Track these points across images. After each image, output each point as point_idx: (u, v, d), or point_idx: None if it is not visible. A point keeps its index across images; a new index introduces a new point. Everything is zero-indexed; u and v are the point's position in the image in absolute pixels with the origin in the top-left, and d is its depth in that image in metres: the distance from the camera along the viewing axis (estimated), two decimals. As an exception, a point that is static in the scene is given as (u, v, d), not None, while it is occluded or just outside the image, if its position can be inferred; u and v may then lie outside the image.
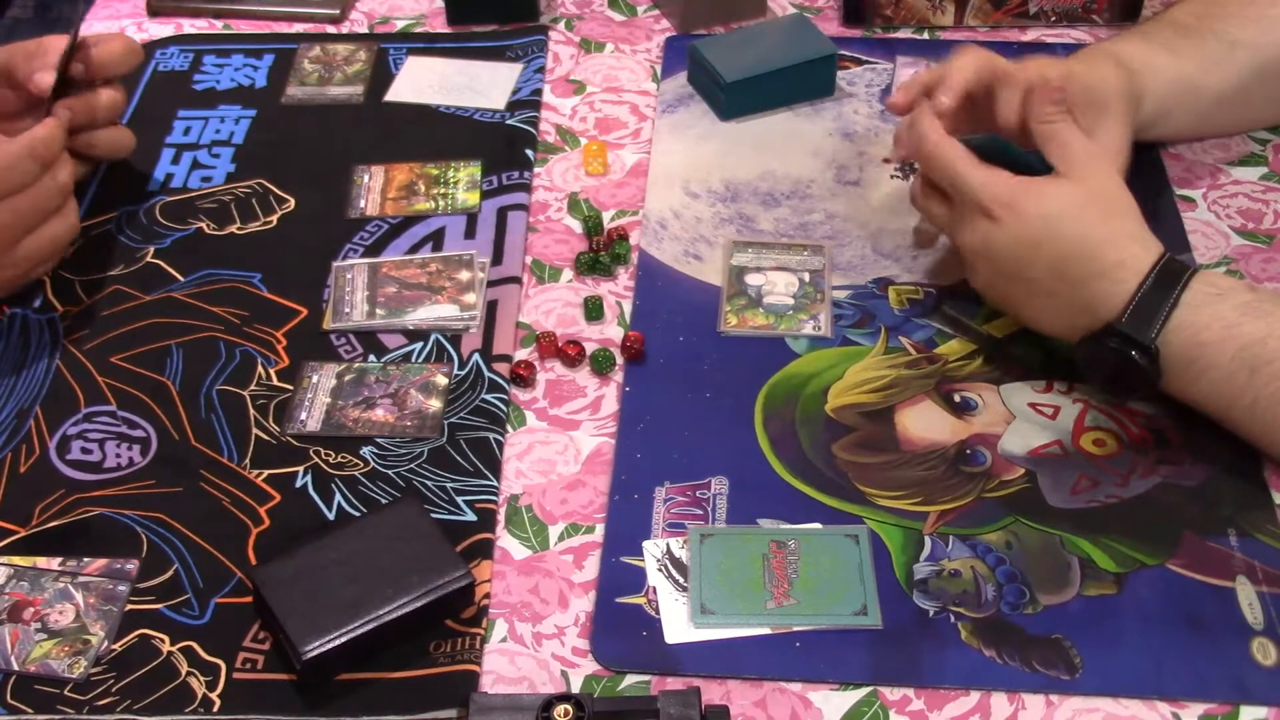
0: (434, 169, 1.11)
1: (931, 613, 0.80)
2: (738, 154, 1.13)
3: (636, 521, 0.85)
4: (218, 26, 1.29)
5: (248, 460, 0.89)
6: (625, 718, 0.72)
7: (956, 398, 0.92)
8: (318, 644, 0.75)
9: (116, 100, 1.06)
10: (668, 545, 0.84)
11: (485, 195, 1.08)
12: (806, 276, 1.01)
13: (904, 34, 1.25)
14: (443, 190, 1.09)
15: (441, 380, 0.93)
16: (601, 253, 1.03)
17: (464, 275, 1.01)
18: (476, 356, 0.95)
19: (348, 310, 0.99)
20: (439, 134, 1.15)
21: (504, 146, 1.13)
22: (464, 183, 1.09)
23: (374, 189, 1.09)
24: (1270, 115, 1.12)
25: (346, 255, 1.04)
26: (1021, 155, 0.97)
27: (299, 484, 0.88)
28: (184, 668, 0.78)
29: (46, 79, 0.99)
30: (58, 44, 1.01)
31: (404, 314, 0.99)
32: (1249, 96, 1.07)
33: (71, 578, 0.82)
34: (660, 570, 0.82)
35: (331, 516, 0.86)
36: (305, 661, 0.75)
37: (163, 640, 0.79)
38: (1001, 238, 0.89)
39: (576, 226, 1.07)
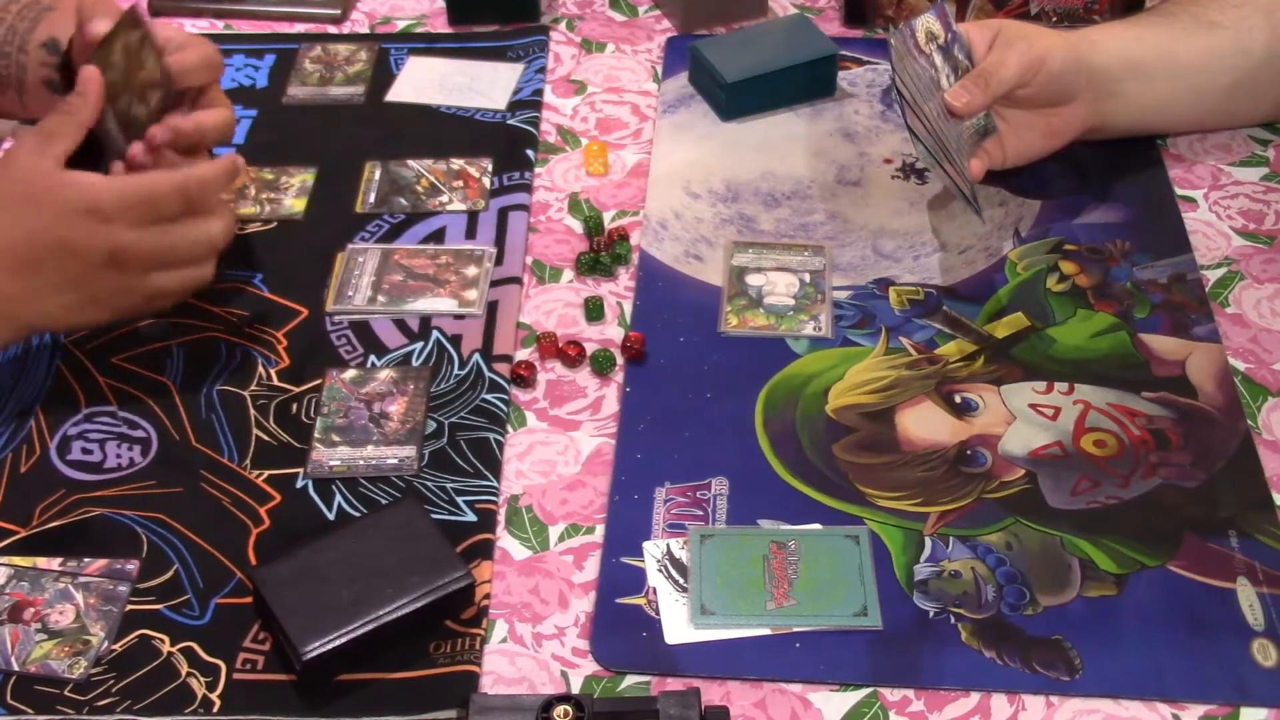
0: (269, 173, 1.11)
1: (932, 614, 0.80)
2: (738, 154, 1.13)
3: (637, 522, 0.85)
4: (219, 26, 1.29)
5: (248, 461, 0.89)
6: (625, 718, 0.72)
7: (957, 398, 0.92)
8: (318, 644, 0.75)
9: (227, 119, 0.96)
10: (668, 546, 0.84)
11: (491, 194, 1.09)
12: (807, 277, 1.01)
13: (888, 36, 1.25)
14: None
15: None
16: (602, 253, 1.03)
17: (471, 271, 1.01)
18: (477, 356, 0.95)
19: (350, 294, 0.99)
20: (440, 134, 1.15)
21: (505, 147, 1.13)
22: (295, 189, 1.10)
23: None
24: (1265, 110, 1.12)
25: (348, 254, 1.04)
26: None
27: (299, 484, 0.88)
28: (184, 668, 0.78)
29: (98, 27, 0.91)
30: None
31: (403, 303, 0.99)
32: (1239, 80, 1.08)
33: (72, 578, 0.82)
34: (660, 571, 0.82)
35: (331, 517, 0.86)
36: (305, 662, 0.75)
37: (163, 641, 0.79)
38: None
39: (577, 227, 1.07)
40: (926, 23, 0.99)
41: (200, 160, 0.94)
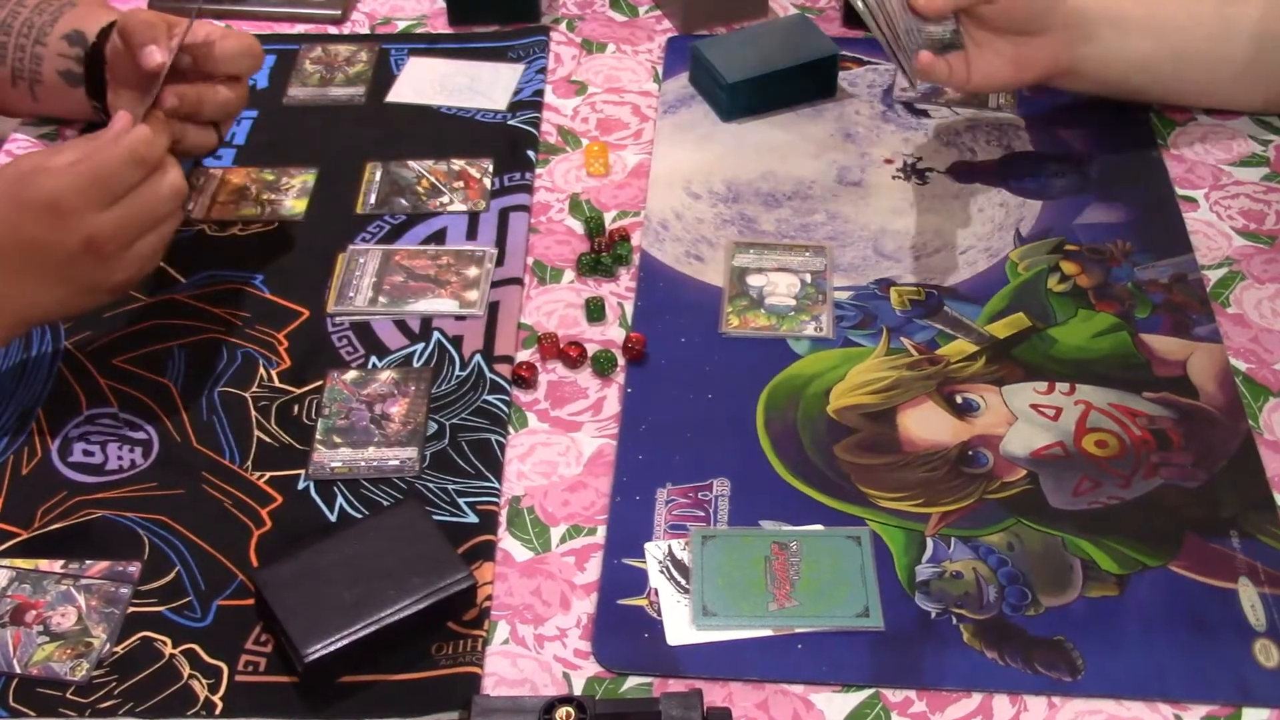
0: (269, 174, 1.11)
1: (933, 614, 0.80)
2: (739, 155, 1.13)
3: (638, 523, 0.85)
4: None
5: (249, 462, 0.89)
6: (627, 720, 0.72)
7: (958, 399, 0.92)
8: (320, 646, 0.75)
9: (230, 100, 1.01)
10: (669, 547, 0.84)
11: (492, 195, 1.09)
12: (808, 277, 1.01)
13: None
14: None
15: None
16: (603, 254, 1.03)
17: (472, 271, 1.01)
18: (478, 357, 0.95)
19: (351, 295, 0.99)
20: (441, 134, 1.15)
21: (506, 147, 1.13)
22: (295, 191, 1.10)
23: (207, 191, 1.10)
24: (1262, 94, 1.12)
25: (349, 256, 1.04)
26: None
27: (301, 486, 0.88)
28: (186, 670, 0.78)
29: (155, 57, 0.94)
30: (177, 23, 0.98)
31: (404, 304, 0.99)
32: (1219, 49, 1.08)
33: (73, 580, 0.82)
34: (662, 572, 0.82)
35: (333, 519, 0.86)
36: (307, 664, 0.75)
37: (165, 643, 0.79)
38: None
39: (578, 227, 1.07)
40: None
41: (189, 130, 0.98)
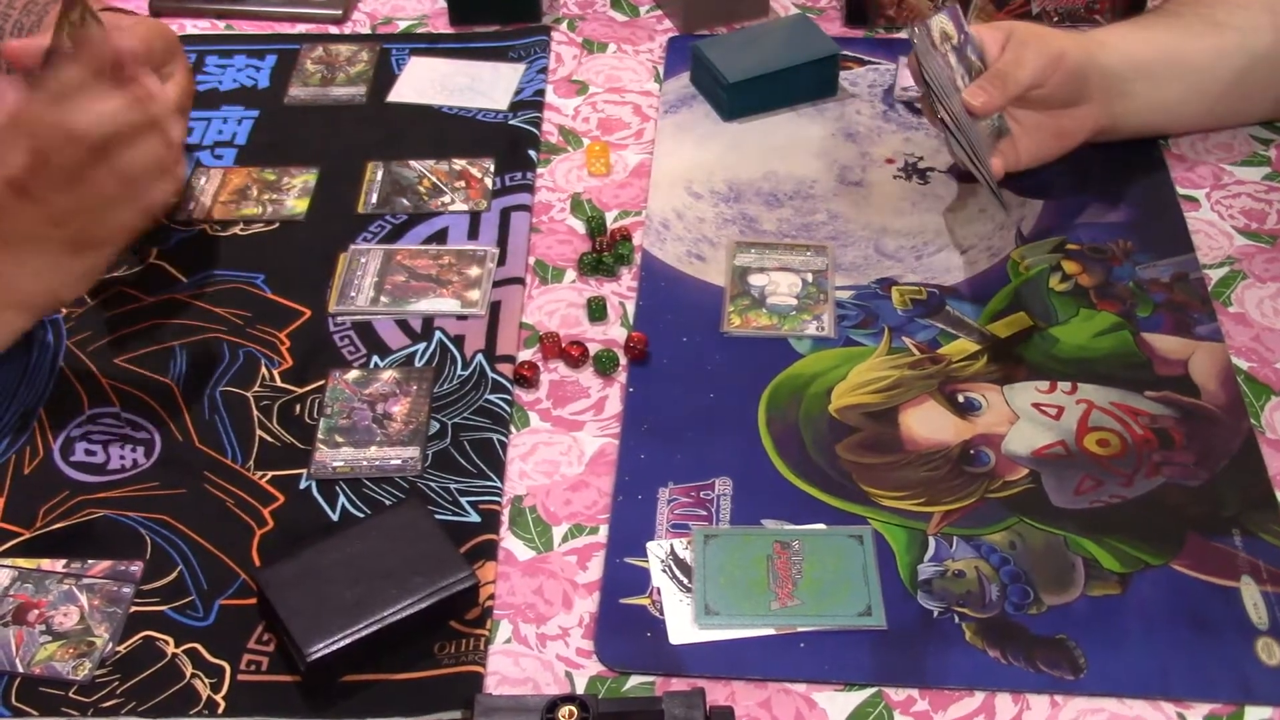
0: (270, 174, 1.11)
1: (936, 613, 0.80)
2: (740, 154, 1.13)
3: (640, 522, 0.85)
4: (220, 27, 1.29)
5: (251, 462, 0.89)
6: (630, 719, 0.72)
7: (960, 398, 0.92)
8: (322, 645, 0.75)
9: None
10: (671, 546, 0.84)
11: (494, 195, 1.09)
12: (809, 277, 1.01)
13: (906, 34, 1.25)
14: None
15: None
16: (604, 253, 1.03)
17: (474, 271, 1.01)
18: (480, 357, 0.95)
19: (353, 294, 0.99)
20: (442, 134, 1.15)
21: (507, 147, 1.13)
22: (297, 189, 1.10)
23: (208, 191, 1.10)
24: (1269, 108, 1.13)
25: (350, 255, 1.04)
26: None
27: (303, 485, 0.88)
28: (188, 670, 0.78)
29: (19, 46, 0.86)
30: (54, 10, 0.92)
31: (406, 304, 0.99)
32: (1244, 80, 1.08)
33: (76, 580, 0.82)
34: (664, 571, 0.82)
35: (335, 518, 0.86)
36: (310, 663, 0.75)
37: (167, 642, 0.79)
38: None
39: (579, 227, 1.07)
40: (940, 23, 0.99)
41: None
